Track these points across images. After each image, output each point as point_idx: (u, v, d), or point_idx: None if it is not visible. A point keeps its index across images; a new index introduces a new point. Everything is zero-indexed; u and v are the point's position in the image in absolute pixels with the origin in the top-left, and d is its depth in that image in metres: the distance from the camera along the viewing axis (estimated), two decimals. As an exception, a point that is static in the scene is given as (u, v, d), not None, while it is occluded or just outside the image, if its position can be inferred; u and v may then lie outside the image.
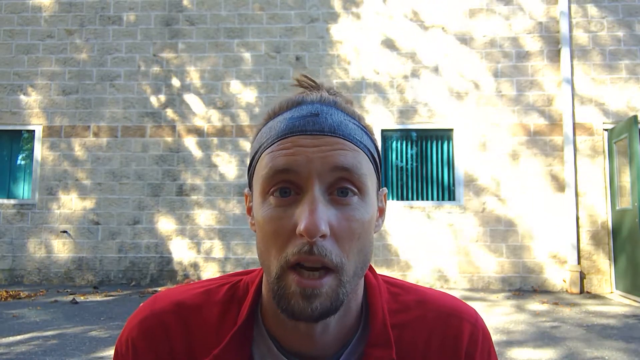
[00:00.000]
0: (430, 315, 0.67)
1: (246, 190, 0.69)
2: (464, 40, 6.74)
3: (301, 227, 0.53)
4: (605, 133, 6.43)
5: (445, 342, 0.66)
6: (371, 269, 0.69)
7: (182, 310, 0.66)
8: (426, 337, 0.66)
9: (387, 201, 0.78)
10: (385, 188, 0.69)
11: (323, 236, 0.54)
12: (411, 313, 0.67)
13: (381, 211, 0.67)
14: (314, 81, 0.68)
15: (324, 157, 0.57)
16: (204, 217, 6.72)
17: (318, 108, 0.61)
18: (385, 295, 0.68)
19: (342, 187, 0.57)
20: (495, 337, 3.82)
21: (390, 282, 0.72)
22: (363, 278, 0.66)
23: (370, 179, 0.60)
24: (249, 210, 0.67)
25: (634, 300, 5.60)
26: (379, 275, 0.72)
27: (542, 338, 3.90)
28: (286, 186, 0.57)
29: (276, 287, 0.56)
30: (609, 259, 6.25)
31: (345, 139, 0.59)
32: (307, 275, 0.54)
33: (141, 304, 0.69)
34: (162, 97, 6.94)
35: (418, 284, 0.84)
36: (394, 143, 6.76)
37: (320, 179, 0.56)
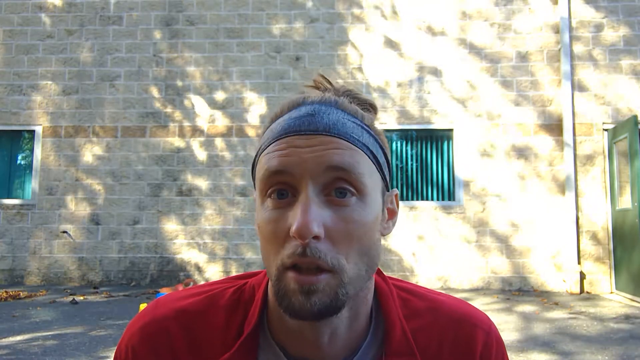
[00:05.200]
0: (442, 321, 0.66)
1: (254, 193, 0.68)
2: (465, 40, 6.74)
3: (293, 228, 0.52)
4: (606, 133, 6.43)
5: (458, 349, 0.65)
6: (380, 272, 0.68)
7: (184, 316, 0.64)
8: (437, 344, 0.64)
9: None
10: (396, 189, 0.67)
11: (317, 238, 0.53)
12: (422, 319, 0.66)
13: (392, 213, 0.65)
14: (330, 83, 0.66)
15: (318, 157, 0.55)
16: (204, 218, 6.72)
17: (316, 108, 0.59)
18: (397, 300, 0.67)
19: (339, 187, 0.55)
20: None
21: (400, 287, 0.70)
22: (373, 282, 0.64)
23: (370, 179, 0.58)
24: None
25: (634, 301, 5.60)
26: (389, 278, 0.70)
27: (542, 339, 3.90)
28: (282, 188, 0.56)
29: (277, 288, 0.56)
30: (609, 260, 6.25)
31: (340, 138, 0.57)
32: (305, 273, 0.54)
33: (142, 309, 0.68)
34: (162, 97, 6.94)
35: (419, 284, 0.83)
36: (394, 143, 6.76)
37: (314, 179, 0.55)
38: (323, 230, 0.53)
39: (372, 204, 0.58)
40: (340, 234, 0.55)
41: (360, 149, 0.58)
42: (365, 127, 0.61)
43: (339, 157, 0.56)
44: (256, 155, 0.62)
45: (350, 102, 0.63)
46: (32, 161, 6.99)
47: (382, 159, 0.62)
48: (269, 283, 0.64)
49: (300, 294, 0.53)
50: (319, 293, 0.53)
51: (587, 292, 6.19)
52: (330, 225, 0.54)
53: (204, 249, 6.68)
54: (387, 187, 0.64)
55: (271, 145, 0.58)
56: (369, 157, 0.59)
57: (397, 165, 6.74)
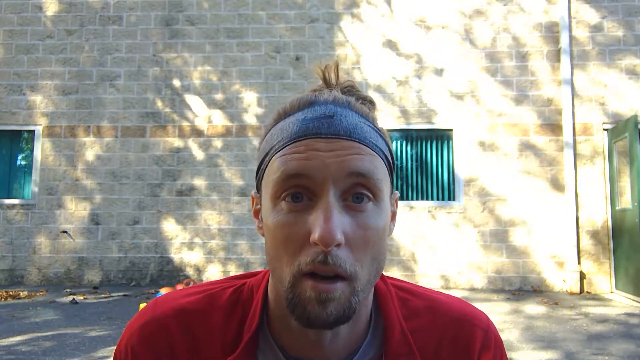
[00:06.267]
0: (441, 321, 0.66)
1: (253, 192, 0.66)
2: (464, 40, 6.74)
3: (315, 235, 0.51)
4: (605, 133, 6.43)
5: (457, 348, 0.65)
6: None
7: (184, 315, 0.64)
8: (437, 343, 0.65)
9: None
10: (397, 192, 0.66)
11: (338, 245, 0.52)
12: (421, 319, 0.66)
13: (393, 215, 0.64)
14: (337, 75, 0.65)
15: (340, 162, 0.54)
16: (204, 217, 6.72)
17: (332, 109, 0.58)
18: (396, 301, 0.67)
19: (357, 192, 0.55)
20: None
21: (399, 287, 0.70)
22: None
23: (385, 184, 0.58)
24: (256, 213, 0.64)
25: (634, 300, 5.60)
26: (388, 278, 0.70)
27: (542, 339, 3.90)
28: (299, 191, 0.55)
29: (290, 295, 0.54)
30: (609, 259, 6.25)
31: (361, 143, 0.57)
32: (322, 280, 0.53)
33: (141, 309, 0.67)
34: (162, 97, 6.94)
35: (419, 284, 0.82)
36: (394, 143, 6.76)
37: (336, 184, 0.54)
38: (344, 237, 0.53)
39: (385, 208, 0.58)
40: (359, 241, 0.54)
41: (378, 154, 0.58)
42: (377, 130, 0.61)
43: (361, 162, 0.55)
44: (265, 155, 0.60)
45: (357, 101, 0.62)
46: (32, 161, 6.98)
47: (390, 162, 0.63)
48: (270, 284, 0.64)
49: (316, 303, 0.53)
50: (335, 302, 0.53)
51: (587, 292, 6.19)
52: (350, 232, 0.54)
53: (204, 249, 6.68)
54: (392, 189, 0.64)
55: (287, 146, 0.56)
56: (384, 162, 0.59)
57: (397, 165, 6.74)
